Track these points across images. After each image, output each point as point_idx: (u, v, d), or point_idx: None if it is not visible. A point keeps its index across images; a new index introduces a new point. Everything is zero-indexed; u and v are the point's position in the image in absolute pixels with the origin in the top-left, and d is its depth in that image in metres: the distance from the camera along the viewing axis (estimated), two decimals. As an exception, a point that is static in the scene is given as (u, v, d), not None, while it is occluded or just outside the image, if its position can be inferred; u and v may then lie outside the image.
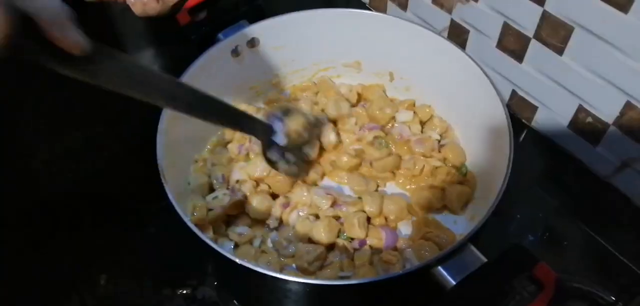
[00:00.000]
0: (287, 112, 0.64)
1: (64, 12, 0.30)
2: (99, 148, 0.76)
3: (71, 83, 0.29)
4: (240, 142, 0.70)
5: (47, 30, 0.29)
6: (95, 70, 0.35)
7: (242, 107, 0.72)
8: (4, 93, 0.76)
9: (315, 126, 0.67)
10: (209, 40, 0.67)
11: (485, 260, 0.47)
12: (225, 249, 0.50)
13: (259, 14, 0.71)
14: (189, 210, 0.62)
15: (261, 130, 0.61)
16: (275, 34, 0.70)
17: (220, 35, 0.68)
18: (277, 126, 0.62)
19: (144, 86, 0.42)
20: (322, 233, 0.61)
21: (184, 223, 0.51)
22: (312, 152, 0.67)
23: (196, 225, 0.51)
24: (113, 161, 0.74)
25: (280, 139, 0.62)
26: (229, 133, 0.73)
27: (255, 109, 0.74)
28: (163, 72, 0.47)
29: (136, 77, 0.41)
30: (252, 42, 0.69)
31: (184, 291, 0.60)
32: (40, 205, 0.69)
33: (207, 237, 0.50)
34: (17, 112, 0.79)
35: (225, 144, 0.71)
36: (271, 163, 0.62)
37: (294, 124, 0.63)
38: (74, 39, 0.30)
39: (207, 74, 0.65)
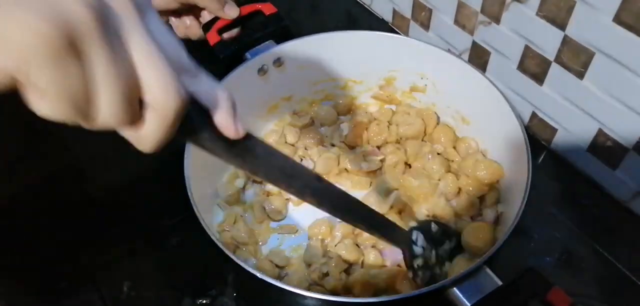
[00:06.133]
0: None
1: (227, 96, 0.31)
2: (127, 156, 0.77)
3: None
4: None
5: (211, 114, 0.29)
6: (245, 156, 0.35)
7: (269, 124, 0.73)
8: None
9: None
10: (237, 59, 0.69)
11: (500, 283, 0.48)
12: (248, 264, 0.52)
13: (285, 35, 0.73)
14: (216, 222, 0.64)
15: (403, 241, 0.58)
16: (300, 54, 0.72)
17: (247, 55, 0.70)
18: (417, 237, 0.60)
19: (288, 176, 0.42)
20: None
21: (207, 235, 0.52)
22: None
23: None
24: (142, 169, 0.75)
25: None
26: None
27: (280, 122, 0.76)
28: (308, 169, 0.48)
29: (282, 168, 0.41)
30: (278, 62, 0.71)
31: (204, 301, 0.62)
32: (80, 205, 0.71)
33: (228, 250, 0.51)
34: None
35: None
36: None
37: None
38: (233, 124, 0.31)
39: (234, 90, 0.66)
